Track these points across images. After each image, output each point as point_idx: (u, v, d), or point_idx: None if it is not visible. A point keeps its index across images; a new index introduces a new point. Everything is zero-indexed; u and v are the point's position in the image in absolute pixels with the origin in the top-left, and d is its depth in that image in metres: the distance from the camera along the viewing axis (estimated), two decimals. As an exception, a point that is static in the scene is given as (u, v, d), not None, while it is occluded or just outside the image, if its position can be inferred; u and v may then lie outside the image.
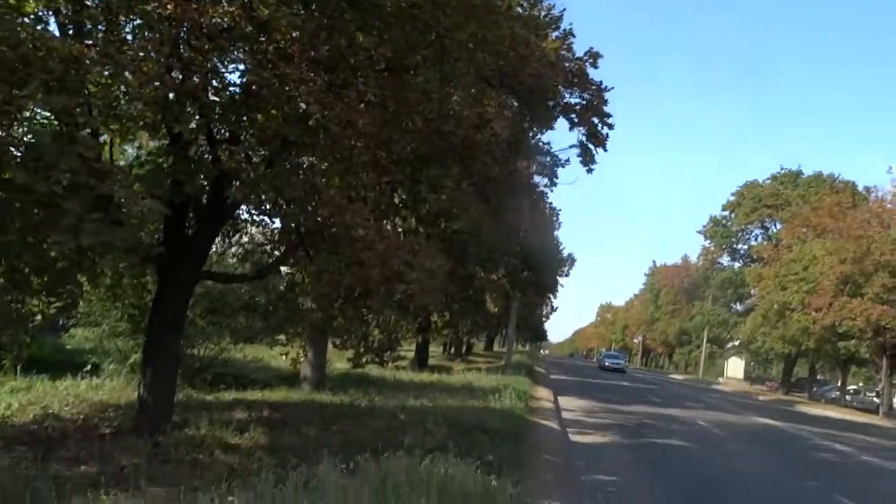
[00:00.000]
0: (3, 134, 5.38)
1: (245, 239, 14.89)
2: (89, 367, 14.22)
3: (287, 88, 7.67)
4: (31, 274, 6.65)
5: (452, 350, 44.81)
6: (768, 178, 64.69)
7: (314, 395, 14.76)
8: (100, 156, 6.06)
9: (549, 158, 18.39)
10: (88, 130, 6.89)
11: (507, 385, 19.26)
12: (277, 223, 10.98)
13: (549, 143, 18.93)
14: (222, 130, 8.87)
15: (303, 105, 7.92)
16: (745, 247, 67.05)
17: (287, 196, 7.72)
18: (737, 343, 68.00)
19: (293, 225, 9.09)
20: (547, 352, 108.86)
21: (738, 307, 70.62)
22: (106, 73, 6.35)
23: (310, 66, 8.13)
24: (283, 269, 13.25)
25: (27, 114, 6.15)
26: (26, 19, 6.49)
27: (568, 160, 17.81)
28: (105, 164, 5.95)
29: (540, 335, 71.35)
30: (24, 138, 5.70)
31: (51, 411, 10.11)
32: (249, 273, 12.33)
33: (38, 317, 8.69)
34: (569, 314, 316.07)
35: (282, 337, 15.19)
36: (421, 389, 17.66)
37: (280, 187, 7.45)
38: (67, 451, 8.15)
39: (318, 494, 5.33)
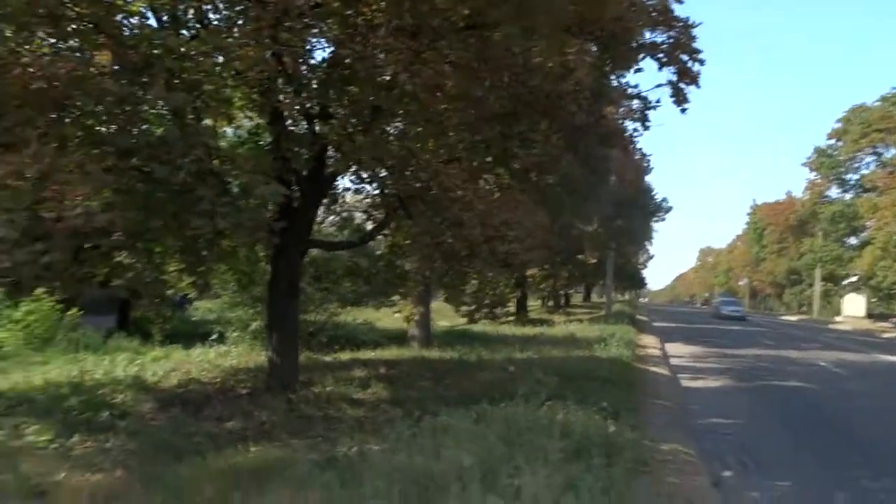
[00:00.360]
0: (137, 131, 5.95)
1: (342, 207, 15.53)
2: (216, 335, 15.44)
3: (377, 59, 7.93)
4: (168, 256, 7.34)
5: (551, 303, 44.86)
6: (877, 100, 59.28)
7: (423, 352, 15.37)
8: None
9: (637, 102, 17.80)
10: (191, 116, 7.44)
11: (611, 334, 19.24)
12: (376, 189, 11.42)
13: (636, 86, 18.30)
14: (315, 106, 9.28)
15: (388, 75, 8.17)
16: (856, 176, 62.23)
17: (386, 163, 8.04)
18: (854, 279, 63.89)
19: (393, 190, 9.45)
20: (647, 300, 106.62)
21: (853, 241, 66.15)
22: (212, 62, 6.79)
23: (395, 35, 8.33)
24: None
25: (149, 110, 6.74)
26: (132, 19, 7.04)
27: (658, 101, 17.17)
28: (229, 152, 6.46)
29: (638, 283, 69.85)
30: (155, 134, 6.26)
31: (191, 377, 11.14)
32: (354, 239, 12.88)
33: (173, 292, 9.56)
34: (667, 260, 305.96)
35: (395, 298, 15.87)
36: (525, 342, 17.97)
37: (379, 155, 7.77)
38: (213, 410, 9.04)
39: (449, 439, 5.69)
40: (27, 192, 4.91)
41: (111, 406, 8.76)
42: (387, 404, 9.32)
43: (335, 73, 8.00)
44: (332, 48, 8.93)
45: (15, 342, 12.69)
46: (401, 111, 8.52)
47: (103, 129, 6.15)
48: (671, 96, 15.21)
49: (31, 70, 5.24)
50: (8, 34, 5.48)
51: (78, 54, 6.36)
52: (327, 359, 13.59)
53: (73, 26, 5.87)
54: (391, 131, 9.56)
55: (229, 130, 12.65)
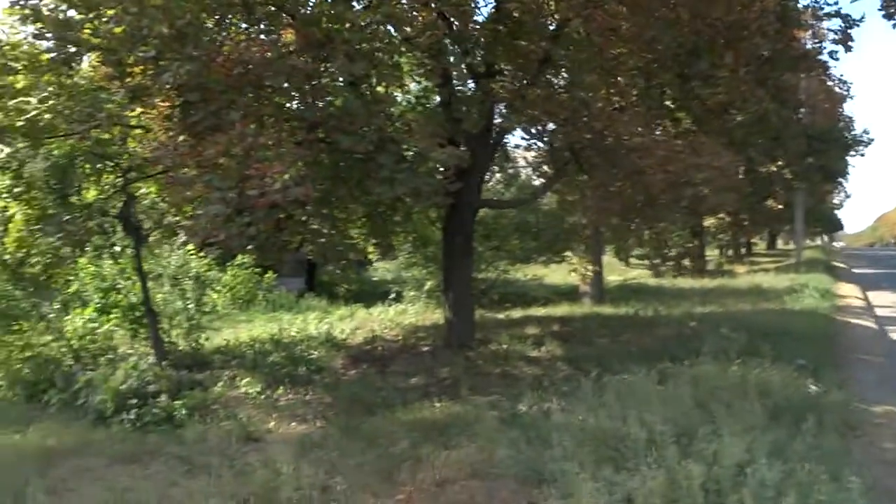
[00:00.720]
0: (322, 105, 6.29)
1: (509, 164, 15.47)
2: (393, 295, 16.28)
3: (545, 8, 7.67)
4: (352, 222, 7.76)
5: (731, 252, 41.92)
6: None
7: (596, 308, 15.07)
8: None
9: (837, 21, 15.68)
10: (364, 85, 7.67)
11: (803, 284, 17.64)
12: (545, 144, 11.19)
13: (836, 3, 16.06)
14: (482, 64, 9.19)
15: (552, 22, 7.85)
16: None
17: (559, 116, 7.81)
18: None
19: (564, 143, 9.19)
20: (843, 244, 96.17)
21: None
22: (386, 30, 6.95)
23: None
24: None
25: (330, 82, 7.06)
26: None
27: (862, 17, 15.00)
28: (406, 119, 6.63)
29: (833, 226, 62.99)
30: (335, 105, 6.57)
31: (376, 334, 11.84)
32: (523, 196, 12.81)
33: (356, 257, 10.16)
34: (867, 199, 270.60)
35: (565, 253, 15.70)
36: (704, 296, 17.00)
37: (551, 109, 7.56)
38: (398, 366, 9.56)
39: (635, 399, 5.53)
40: (234, 171, 5.42)
41: (308, 361, 9.56)
42: (563, 362, 9.27)
43: (502, 28, 7.85)
44: (494, 3, 8.76)
45: (223, 303, 14.25)
46: (570, 60, 8.19)
47: (292, 105, 6.60)
48: (880, 9, 13.23)
49: (231, 57, 5.70)
50: (209, 24, 5.99)
51: (263, 37, 6.81)
52: (500, 316, 13.78)
53: (262, 11, 6.26)
54: (559, 82, 9.27)
55: (398, 95, 13.05)
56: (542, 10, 7.78)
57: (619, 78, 9.39)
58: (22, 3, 5.98)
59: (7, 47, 7.55)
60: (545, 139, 9.83)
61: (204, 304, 10.89)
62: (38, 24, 6.12)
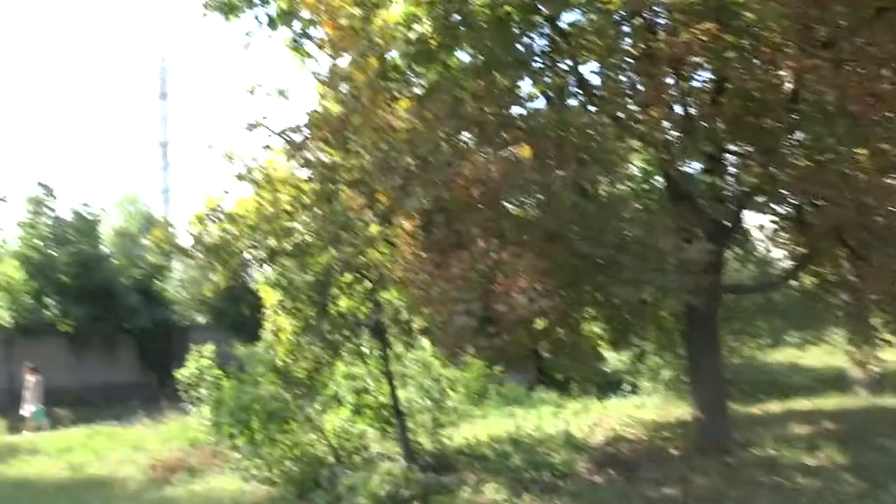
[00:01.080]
0: (556, 212, 6.31)
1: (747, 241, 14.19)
2: (629, 387, 15.43)
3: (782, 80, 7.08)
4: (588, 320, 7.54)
5: None
6: None
7: (874, 399, 12.87)
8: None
9: None
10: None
11: None
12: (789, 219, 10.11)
13: None
14: (717, 150, 8.60)
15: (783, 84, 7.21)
16: None
17: (817, 196, 7.00)
18: None
19: (819, 220, 8.19)
20: None
21: None
22: (613, 130, 6.88)
23: (802, 45, 7.28)
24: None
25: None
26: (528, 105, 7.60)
27: None
28: (647, 217, 6.42)
29: None
30: (569, 211, 6.56)
31: (616, 433, 11.16)
32: (770, 278, 11.63)
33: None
34: None
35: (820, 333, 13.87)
36: None
37: (807, 188, 6.81)
38: (647, 472, 8.80)
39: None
40: (478, 285, 5.59)
41: (550, 465, 9.21)
42: (848, 473, 7.91)
43: (736, 106, 7.36)
44: (718, 81, 8.26)
45: (459, 400, 14.54)
46: (818, 133, 7.38)
47: (528, 216, 6.72)
48: None
49: (470, 178, 6.02)
50: (447, 148, 6.41)
51: (491, 150, 7.10)
52: (755, 411, 12.35)
53: (493, 128, 6.57)
54: (804, 156, 8.39)
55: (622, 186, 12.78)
56: (781, 82, 7.16)
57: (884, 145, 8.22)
58: (294, 153, 6.93)
59: (279, 184, 8.79)
60: (797, 218, 8.84)
61: (444, 403, 11.18)
62: (307, 170, 7.04)
